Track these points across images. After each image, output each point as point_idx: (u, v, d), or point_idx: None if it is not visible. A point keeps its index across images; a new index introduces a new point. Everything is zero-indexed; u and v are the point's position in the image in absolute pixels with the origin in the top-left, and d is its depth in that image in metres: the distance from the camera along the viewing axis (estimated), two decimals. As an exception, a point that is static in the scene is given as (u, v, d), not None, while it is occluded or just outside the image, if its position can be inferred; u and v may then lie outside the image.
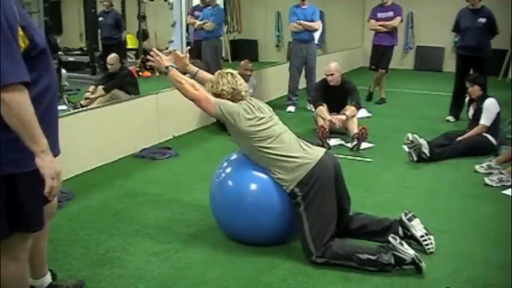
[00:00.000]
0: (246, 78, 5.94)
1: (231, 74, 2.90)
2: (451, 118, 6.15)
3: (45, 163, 1.66)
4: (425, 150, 4.43)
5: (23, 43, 1.66)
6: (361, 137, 4.89)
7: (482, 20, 5.83)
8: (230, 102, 2.76)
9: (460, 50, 6.22)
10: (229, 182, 2.87)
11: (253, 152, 2.76)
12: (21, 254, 1.90)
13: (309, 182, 2.63)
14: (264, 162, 2.74)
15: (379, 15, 7.13)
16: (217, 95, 2.83)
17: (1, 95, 1.55)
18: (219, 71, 2.95)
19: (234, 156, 2.96)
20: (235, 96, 2.82)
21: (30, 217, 1.80)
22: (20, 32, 1.64)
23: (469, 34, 5.91)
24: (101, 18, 8.59)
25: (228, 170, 2.92)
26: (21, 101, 1.59)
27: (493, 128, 4.70)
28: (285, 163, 2.68)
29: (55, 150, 1.82)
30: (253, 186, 2.78)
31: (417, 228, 2.81)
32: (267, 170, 2.74)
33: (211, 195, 2.97)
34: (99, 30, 8.92)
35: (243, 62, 6.06)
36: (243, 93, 2.86)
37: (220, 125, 5.17)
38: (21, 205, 1.75)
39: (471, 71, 5.79)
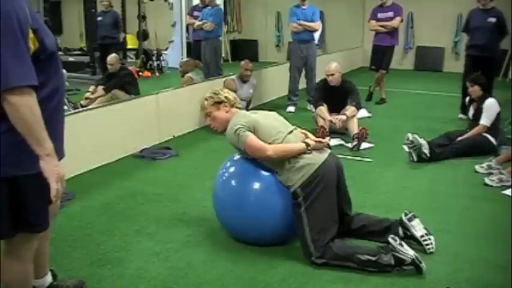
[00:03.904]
0: (246, 79, 5.96)
1: (226, 89, 3.10)
2: (462, 116, 6.11)
3: (49, 166, 1.66)
4: (425, 150, 4.43)
5: (32, 45, 1.65)
6: (361, 137, 4.90)
7: (492, 19, 5.86)
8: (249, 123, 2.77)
9: (469, 50, 6.23)
10: (233, 182, 2.88)
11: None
12: (26, 254, 1.90)
13: (311, 183, 2.64)
14: (270, 162, 2.75)
15: (379, 15, 7.13)
16: (218, 103, 2.91)
17: (8, 97, 1.55)
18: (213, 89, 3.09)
19: (237, 156, 2.97)
20: (235, 105, 2.97)
21: (33, 218, 1.80)
22: (31, 35, 1.63)
23: (478, 33, 5.96)
24: (99, 18, 8.59)
25: (232, 169, 2.93)
26: (28, 104, 1.58)
27: (493, 128, 4.70)
28: (291, 162, 2.69)
29: (60, 152, 1.82)
30: (256, 186, 2.79)
31: (417, 228, 2.81)
32: (273, 170, 2.76)
33: (214, 195, 2.98)
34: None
35: (243, 62, 6.07)
36: (238, 103, 3.02)
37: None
38: (24, 206, 1.75)
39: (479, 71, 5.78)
